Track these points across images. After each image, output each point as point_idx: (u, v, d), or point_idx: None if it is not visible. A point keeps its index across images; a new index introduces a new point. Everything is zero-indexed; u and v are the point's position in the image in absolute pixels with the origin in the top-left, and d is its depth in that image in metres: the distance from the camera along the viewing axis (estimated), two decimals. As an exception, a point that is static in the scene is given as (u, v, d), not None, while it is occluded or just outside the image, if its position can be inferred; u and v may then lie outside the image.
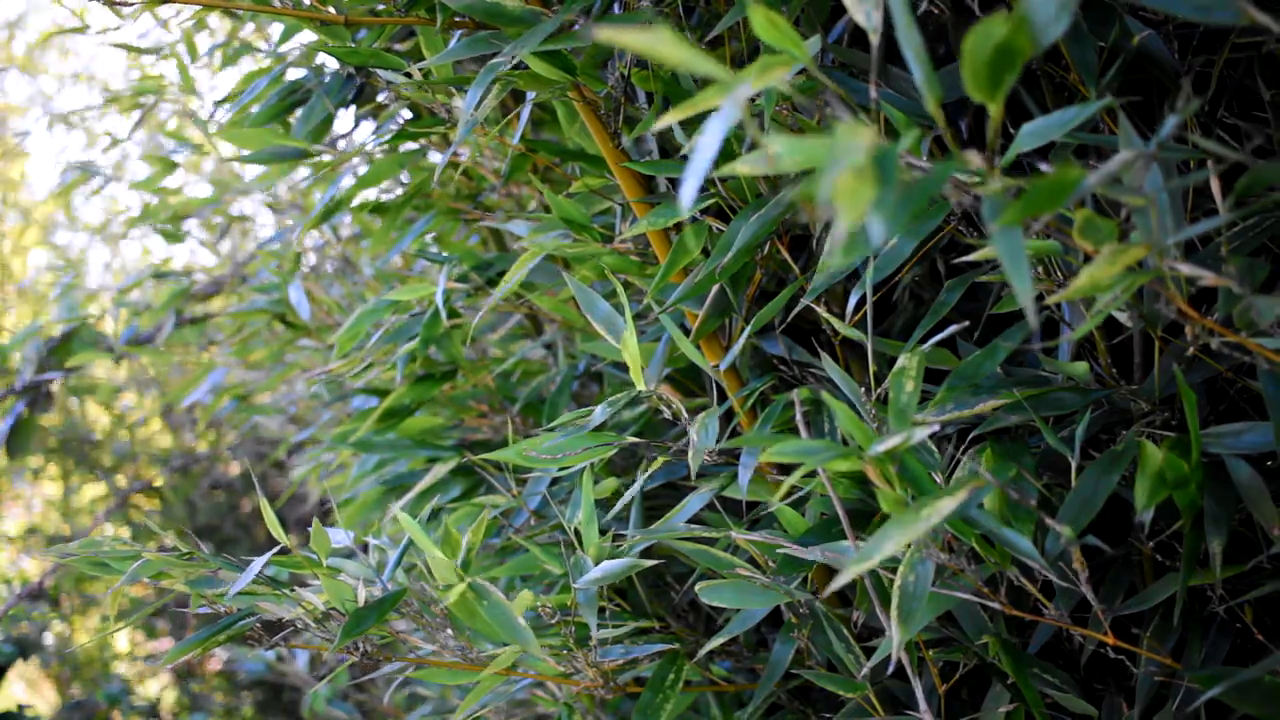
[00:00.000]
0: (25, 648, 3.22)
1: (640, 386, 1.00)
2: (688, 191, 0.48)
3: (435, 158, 1.53)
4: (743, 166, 0.52)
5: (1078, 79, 0.98)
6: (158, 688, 3.93)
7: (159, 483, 3.81)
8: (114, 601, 0.92)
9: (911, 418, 0.73)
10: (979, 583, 0.85)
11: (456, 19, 1.01)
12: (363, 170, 1.37)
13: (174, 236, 2.21)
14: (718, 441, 0.96)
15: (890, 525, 0.66)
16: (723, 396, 1.17)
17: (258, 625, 0.94)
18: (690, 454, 0.95)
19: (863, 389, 0.90)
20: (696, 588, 0.97)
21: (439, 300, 1.23)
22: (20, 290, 4.35)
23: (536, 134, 1.44)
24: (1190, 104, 0.57)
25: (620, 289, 1.01)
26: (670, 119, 0.53)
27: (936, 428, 0.69)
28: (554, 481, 1.30)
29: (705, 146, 0.48)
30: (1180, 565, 0.94)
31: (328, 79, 1.32)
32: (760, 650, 1.22)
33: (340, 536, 1.01)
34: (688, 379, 1.32)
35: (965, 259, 0.86)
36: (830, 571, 1.11)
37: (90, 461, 3.98)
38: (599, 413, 1.00)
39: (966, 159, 0.52)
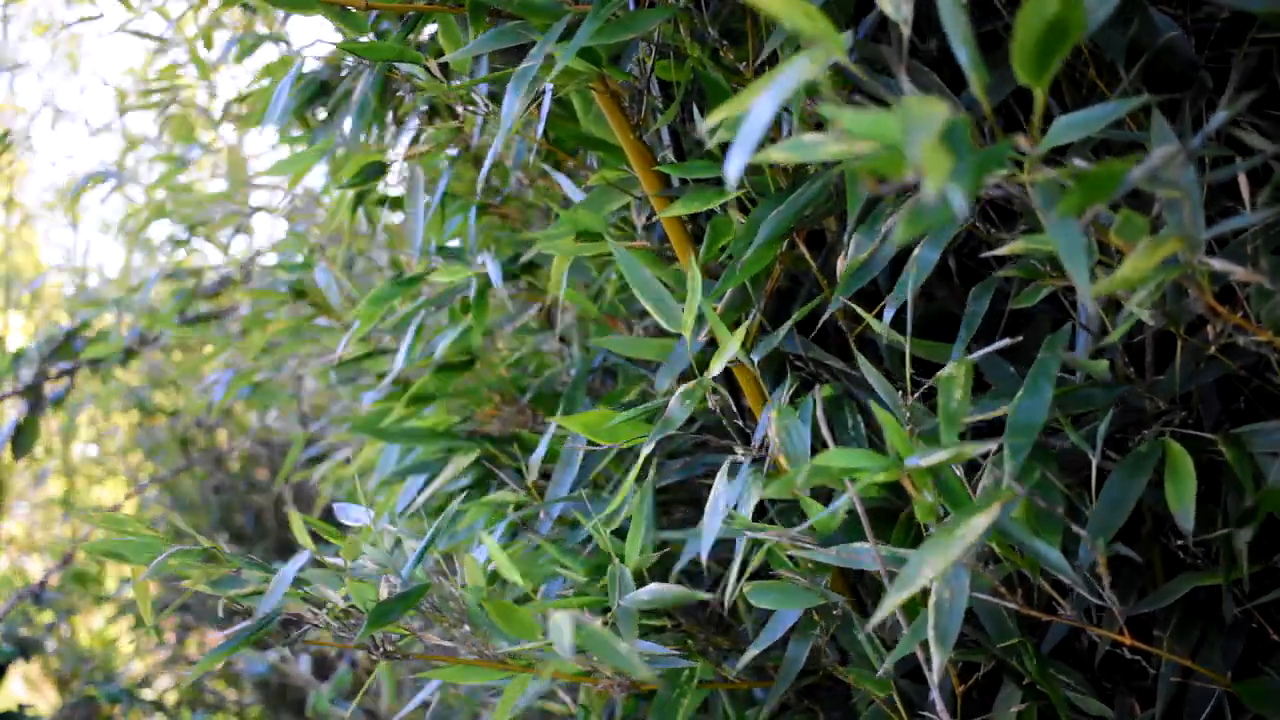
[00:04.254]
0: (25, 648, 3.21)
1: (713, 372, 0.98)
2: (735, 163, 0.48)
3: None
4: (777, 154, 0.52)
5: (1095, 74, 0.98)
6: (161, 685, 3.92)
7: (180, 476, 3.80)
8: (141, 595, 0.91)
9: (960, 424, 0.73)
10: (996, 582, 0.85)
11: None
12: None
13: (183, 242, 2.22)
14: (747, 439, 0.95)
15: (926, 550, 0.66)
16: (733, 389, 1.17)
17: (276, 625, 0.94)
18: (785, 461, 0.93)
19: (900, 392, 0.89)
20: (747, 589, 0.96)
21: (495, 280, 1.22)
22: (28, 291, 4.34)
23: (551, 130, 1.43)
24: (1238, 102, 0.57)
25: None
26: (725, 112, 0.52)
27: (993, 447, 0.69)
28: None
29: (759, 112, 0.47)
30: (1191, 565, 0.94)
31: (368, 75, 1.32)
32: (770, 648, 1.22)
33: (359, 515, 1.01)
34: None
35: (980, 256, 0.85)
36: (847, 571, 1.10)
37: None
38: (674, 405, 0.97)
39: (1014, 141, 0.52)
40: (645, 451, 0.97)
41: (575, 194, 1.16)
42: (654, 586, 0.98)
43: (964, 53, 0.51)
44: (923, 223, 0.46)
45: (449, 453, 1.42)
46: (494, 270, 1.24)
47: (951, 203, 0.45)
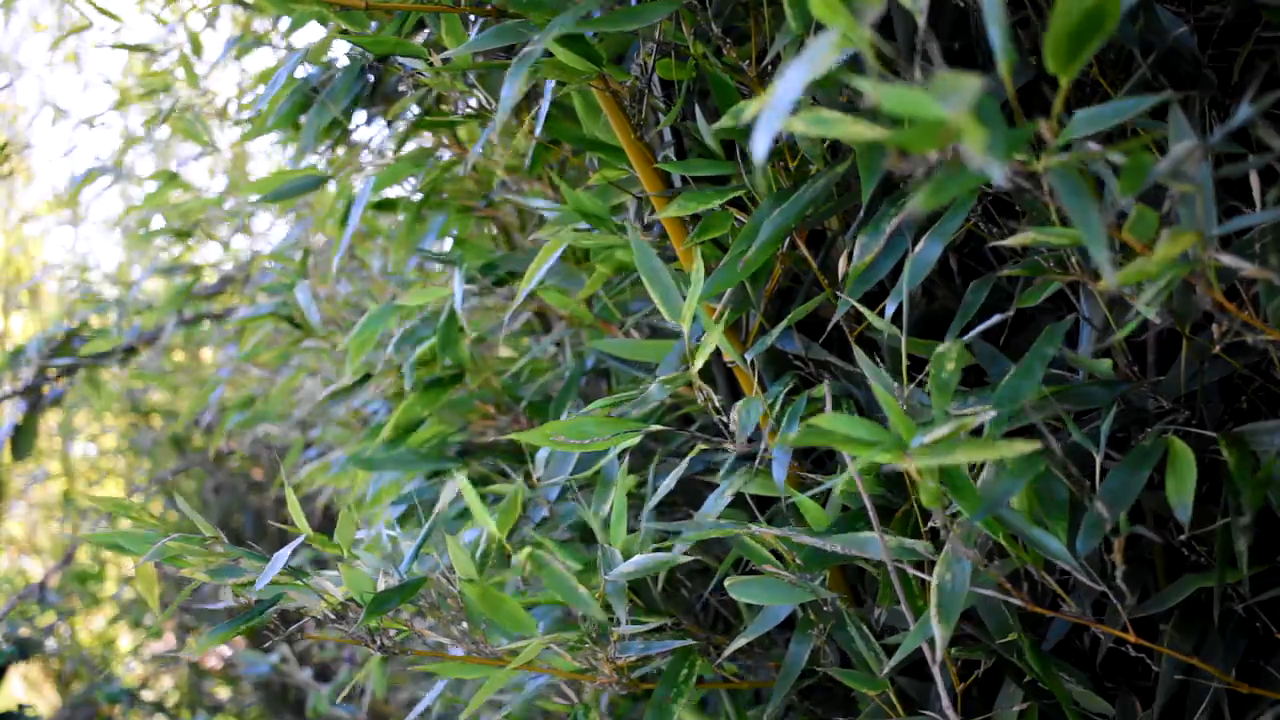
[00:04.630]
0: (25, 648, 3.21)
1: (696, 365, 0.98)
2: (763, 138, 0.47)
3: (446, 156, 1.51)
4: (799, 125, 0.51)
5: (1099, 72, 0.98)
6: (161, 686, 3.92)
7: (179, 476, 3.80)
8: (145, 580, 0.91)
9: (950, 393, 0.72)
10: (1001, 578, 0.84)
11: (479, 5, 1.00)
12: (376, 171, 1.36)
13: (183, 236, 2.22)
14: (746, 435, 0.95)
15: (966, 443, 0.64)
16: (735, 389, 1.16)
17: (274, 618, 0.94)
18: (734, 438, 0.93)
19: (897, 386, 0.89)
20: (726, 583, 0.96)
21: (457, 303, 1.22)
22: (26, 290, 4.34)
23: (547, 130, 1.43)
24: (1260, 101, 0.57)
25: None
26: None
27: (994, 413, 0.68)
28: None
29: (787, 88, 0.47)
30: (1194, 565, 0.94)
31: (338, 76, 1.31)
32: (772, 648, 1.22)
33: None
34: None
35: (983, 254, 0.85)
36: (846, 570, 1.10)
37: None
38: (654, 388, 0.97)
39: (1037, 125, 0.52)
40: (620, 449, 0.98)
41: (549, 212, 1.16)
42: (637, 558, 0.98)
43: (995, 33, 0.51)
44: (949, 190, 0.46)
45: (436, 475, 1.42)
46: (458, 290, 1.23)
47: (990, 174, 0.45)
